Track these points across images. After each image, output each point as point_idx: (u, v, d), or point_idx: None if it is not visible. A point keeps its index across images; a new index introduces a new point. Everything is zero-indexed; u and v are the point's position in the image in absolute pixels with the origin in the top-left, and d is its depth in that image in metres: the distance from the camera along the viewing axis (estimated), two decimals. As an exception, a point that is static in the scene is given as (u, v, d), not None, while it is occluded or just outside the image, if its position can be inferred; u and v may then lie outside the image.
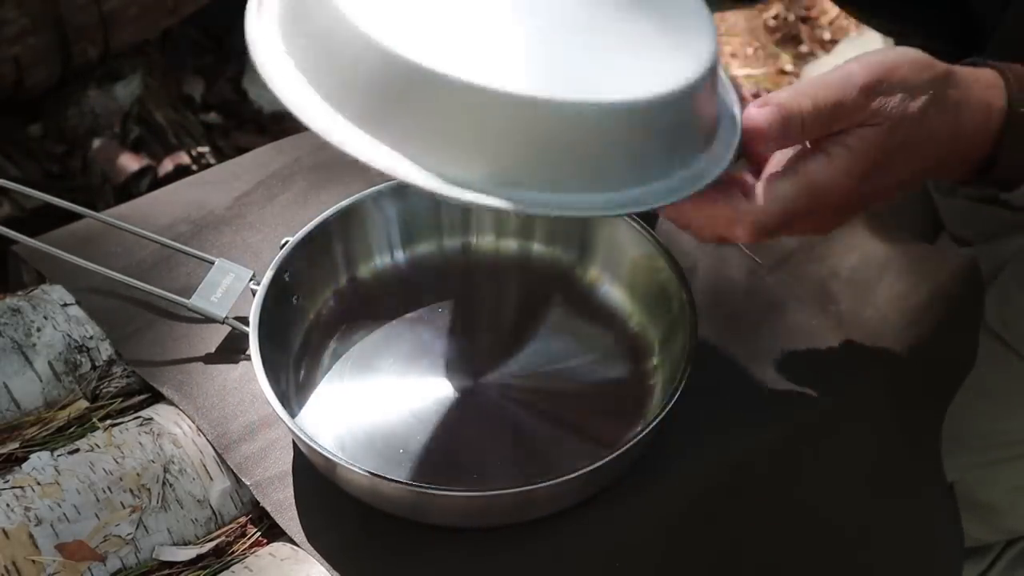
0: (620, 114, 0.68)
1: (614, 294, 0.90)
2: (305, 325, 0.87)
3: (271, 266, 0.84)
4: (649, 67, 0.71)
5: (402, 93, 0.66)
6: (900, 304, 0.90)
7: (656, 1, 0.75)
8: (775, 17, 2.29)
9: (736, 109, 0.76)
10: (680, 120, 0.71)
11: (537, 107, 0.66)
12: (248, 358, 0.81)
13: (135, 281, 0.88)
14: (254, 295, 0.84)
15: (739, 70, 2.23)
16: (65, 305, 0.89)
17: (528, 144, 0.67)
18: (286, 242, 0.86)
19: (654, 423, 0.76)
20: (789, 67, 2.29)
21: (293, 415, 0.79)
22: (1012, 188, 0.83)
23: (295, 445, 0.81)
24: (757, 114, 0.73)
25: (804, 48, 2.32)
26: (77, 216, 0.94)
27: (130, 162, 1.68)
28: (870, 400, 0.88)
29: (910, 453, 0.91)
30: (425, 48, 0.66)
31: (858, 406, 0.87)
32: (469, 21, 0.69)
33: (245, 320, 0.83)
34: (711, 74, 0.72)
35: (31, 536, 0.75)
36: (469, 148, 0.67)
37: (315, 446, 0.75)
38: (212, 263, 0.89)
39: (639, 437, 0.76)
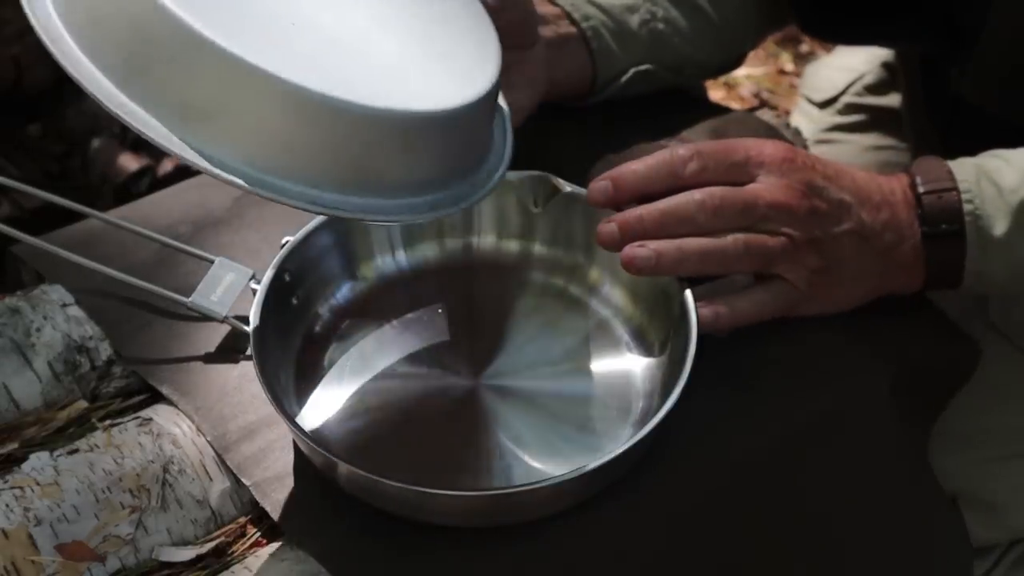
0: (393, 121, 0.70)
1: (615, 295, 0.90)
2: (305, 325, 0.87)
3: (271, 265, 0.84)
4: (439, 82, 0.74)
5: (171, 55, 0.67)
6: (901, 305, 0.90)
7: (449, 23, 0.79)
8: (775, 17, 2.28)
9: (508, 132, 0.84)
10: (462, 134, 0.75)
11: (310, 102, 0.67)
12: (248, 358, 0.81)
13: (135, 280, 0.88)
14: (254, 294, 0.83)
15: (740, 70, 2.23)
16: (65, 305, 0.89)
17: (298, 138, 0.68)
18: (286, 242, 0.86)
19: (654, 423, 0.76)
20: (789, 67, 2.29)
21: (293, 415, 0.79)
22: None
23: (295, 445, 0.81)
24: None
25: (804, 48, 2.32)
26: (77, 216, 0.94)
27: (130, 162, 1.68)
28: (870, 401, 0.88)
29: (911, 455, 0.91)
30: (208, 17, 0.66)
31: (858, 407, 0.87)
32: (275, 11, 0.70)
33: (245, 319, 0.83)
34: (491, 96, 0.77)
35: (30, 536, 0.75)
36: (235, 128, 0.68)
37: (315, 446, 0.75)
38: (212, 262, 0.89)
39: (639, 437, 0.76)
